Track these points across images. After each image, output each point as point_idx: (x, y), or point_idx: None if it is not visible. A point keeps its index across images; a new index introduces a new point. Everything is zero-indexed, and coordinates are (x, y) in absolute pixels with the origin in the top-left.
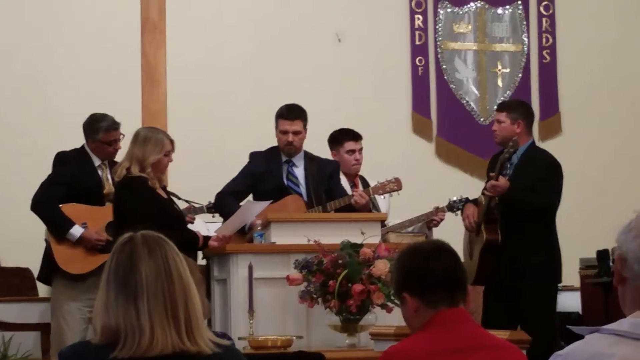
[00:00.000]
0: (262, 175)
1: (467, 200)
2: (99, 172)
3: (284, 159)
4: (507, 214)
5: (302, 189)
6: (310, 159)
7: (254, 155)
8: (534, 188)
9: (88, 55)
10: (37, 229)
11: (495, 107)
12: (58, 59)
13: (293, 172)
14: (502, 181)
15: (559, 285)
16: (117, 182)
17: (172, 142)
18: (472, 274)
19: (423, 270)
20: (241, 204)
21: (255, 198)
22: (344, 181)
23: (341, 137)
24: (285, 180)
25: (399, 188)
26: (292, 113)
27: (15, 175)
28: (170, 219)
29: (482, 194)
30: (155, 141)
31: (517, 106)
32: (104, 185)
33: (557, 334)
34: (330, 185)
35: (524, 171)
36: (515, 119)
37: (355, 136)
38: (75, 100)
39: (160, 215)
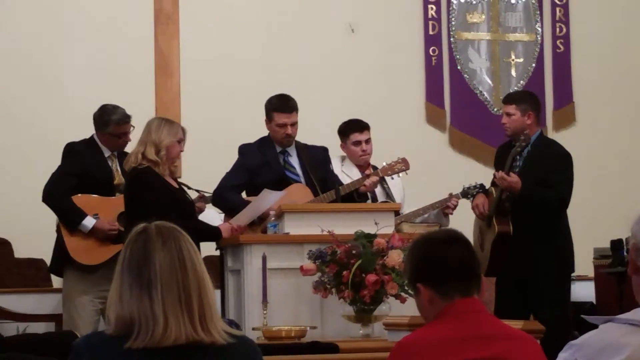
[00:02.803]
0: (259, 168)
1: (482, 186)
2: (109, 162)
3: (279, 149)
4: (518, 206)
5: (301, 178)
6: (300, 147)
7: (245, 148)
8: (546, 180)
9: (101, 46)
10: (51, 220)
11: (502, 99)
12: (71, 50)
13: (290, 162)
14: (514, 178)
15: (573, 275)
16: (127, 173)
17: (184, 131)
18: (483, 265)
19: (436, 260)
20: (246, 197)
21: (253, 191)
22: (355, 172)
23: (347, 130)
24: (284, 171)
25: (407, 168)
26: (289, 106)
27: (28, 167)
28: (181, 208)
29: (494, 185)
30: (169, 126)
31: (525, 97)
32: (114, 176)
33: (571, 324)
34: (324, 169)
35: (534, 163)
36: (525, 111)
37: (361, 127)
38: (89, 92)
39: (171, 205)
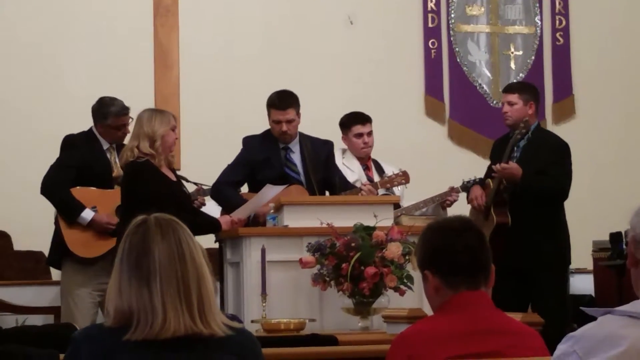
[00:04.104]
0: (261, 164)
1: (481, 180)
2: (108, 155)
3: (281, 145)
4: (516, 197)
5: (301, 176)
6: (305, 142)
7: (248, 142)
8: (545, 171)
9: (101, 38)
10: (50, 212)
11: (503, 89)
12: (70, 42)
13: (291, 159)
14: (514, 165)
15: (571, 267)
16: (124, 167)
17: (175, 118)
18: None
19: (446, 250)
20: (242, 192)
21: (254, 186)
22: (356, 165)
23: (348, 122)
24: (284, 168)
25: (407, 181)
26: (283, 102)
27: (27, 160)
28: (179, 201)
29: (491, 177)
30: (161, 116)
31: (527, 87)
32: (113, 168)
33: (569, 317)
34: (326, 167)
35: (533, 154)
36: (527, 100)
37: (362, 119)
38: (88, 84)
39: (169, 197)
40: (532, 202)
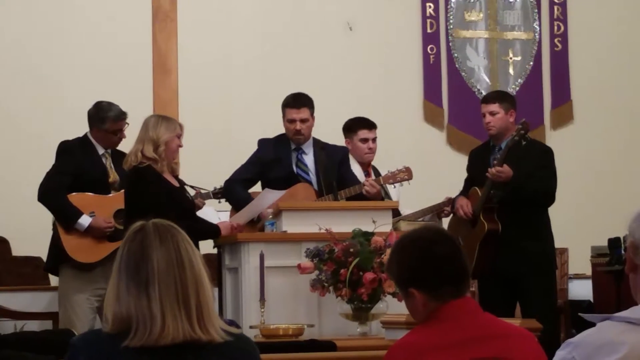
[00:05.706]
0: (272, 163)
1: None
2: (103, 160)
3: (293, 146)
4: (504, 202)
5: (312, 177)
6: (319, 146)
7: (262, 143)
8: (534, 175)
9: (100, 43)
10: (48, 218)
11: (482, 100)
12: (68, 47)
13: (302, 160)
14: (506, 168)
15: (570, 273)
16: (127, 172)
17: (181, 126)
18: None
19: (430, 264)
20: (250, 191)
21: (264, 186)
22: (357, 170)
23: (355, 126)
24: (294, 168)
25: (410, 177)
26: (298, 101)
27: (26, 165)
28: (181, 207)
29: (478, 185)
30: (167, 122)
31: (506, 96)
32: (109, 173)
33: (559, 319)
34: (340, 172)
35: (519, 159)
36: (508, 109)
37: (369, 125)
38: (86, 90)
39: (172, 204)
40: (519, 207)
